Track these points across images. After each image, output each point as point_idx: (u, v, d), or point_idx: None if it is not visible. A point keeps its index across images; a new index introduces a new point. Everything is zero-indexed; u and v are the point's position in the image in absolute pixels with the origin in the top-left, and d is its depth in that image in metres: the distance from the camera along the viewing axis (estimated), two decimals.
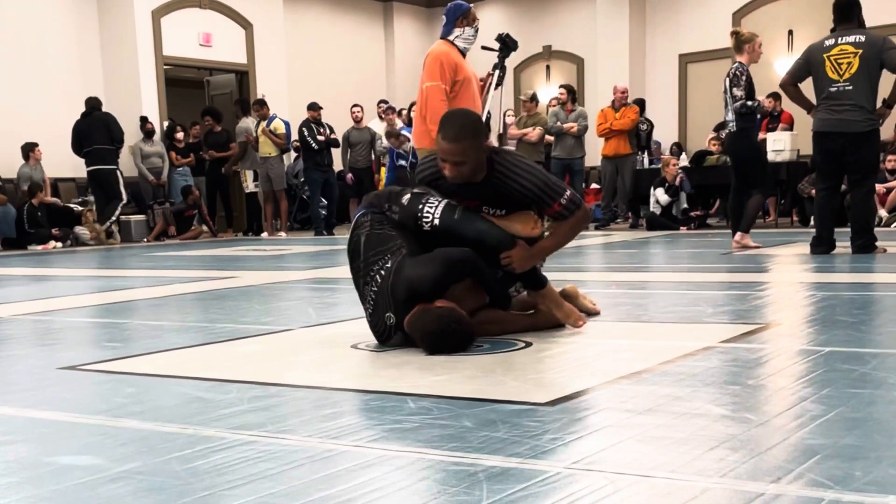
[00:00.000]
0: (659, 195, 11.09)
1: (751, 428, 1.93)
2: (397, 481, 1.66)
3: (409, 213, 3.18)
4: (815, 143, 6.43)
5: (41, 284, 6.90)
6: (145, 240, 12.43)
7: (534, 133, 11.81)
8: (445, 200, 3.18)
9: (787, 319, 3.62)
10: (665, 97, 15.28)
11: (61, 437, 2.11)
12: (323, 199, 13.15)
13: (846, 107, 6.15)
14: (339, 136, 12.89)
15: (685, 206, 11.37)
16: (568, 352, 3.01)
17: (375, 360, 2.99)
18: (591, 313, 3.68)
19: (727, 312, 3.82)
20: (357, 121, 12.82)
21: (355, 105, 12.87)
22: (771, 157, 10.82)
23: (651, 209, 11.31)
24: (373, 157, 13.35)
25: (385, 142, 12.66)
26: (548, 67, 16.49)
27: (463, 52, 4.78)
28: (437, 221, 3.14)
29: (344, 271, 6.83)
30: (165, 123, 13.36)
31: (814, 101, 6.43)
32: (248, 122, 13.05)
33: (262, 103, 12.88)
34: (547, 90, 15.42)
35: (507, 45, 5.00)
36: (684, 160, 12.19)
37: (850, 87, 6.13)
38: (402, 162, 11.67)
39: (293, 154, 14.29)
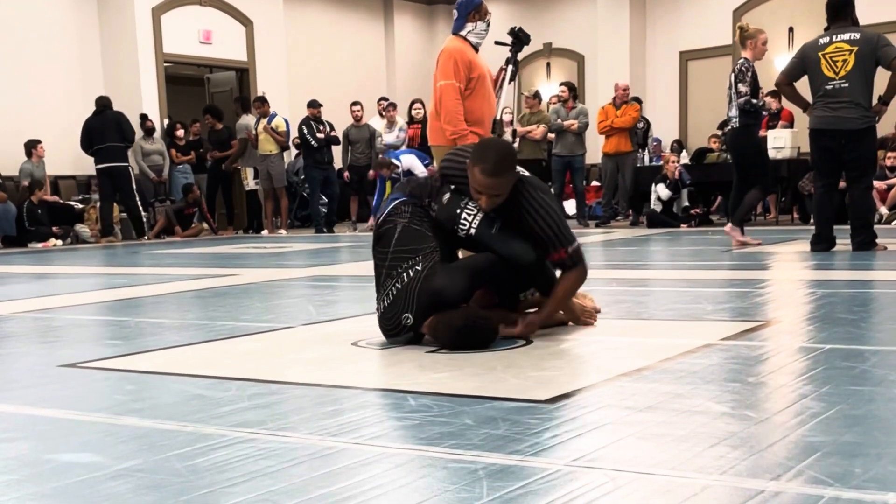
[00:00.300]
0: (660, 190, 11.09)
1: (751, 425, 1.93)
2: (397, 479, 1.67)
3: (447, 216, 3.15)
4: (811, 140, 6.44)
5: (42, 282, 6.90)
6: (146, 237, 12.42)
7: (538, 130, 11.81)
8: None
9: (788, 317, 3.62)
10: (665, 95, 15.27)
11: (62, 434, 2.11)
12: (323, 197, 13.15)
13: (843, 104, 6.15)
14: (339, 133, 12.89)
15: (686, 203, 11.37)
16: (568, 349, 3.01)
17: (376, 357, 2.99)
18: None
19: (727, 310, 3.82)
20: (357, 119, 12.81)
21: (355, 103, 12.86)
22: (772, 154, 10.80)
23: (652, 206, 11.30)
24: (372, 155, 13.35)
25: (385, 139, 12.66)
26: (548, 65, 16.48)
27: (476, 48, 4.71)
28: (472, 232, 3.12)
29: (344, 269, 6.86)
30: (165, 121, 13.35)
31: (809, 99, 6.44)
32: (248, 120, 13.04)
33: (262, 100, 12.87)
34: (547, 88, 15.41)
35: (519, 39, 4.95)
36: (685, 157, 12.19)
37: (846, 85, 6.13)
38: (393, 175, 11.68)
39: (293, 151, 14.29)
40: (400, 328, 3.09)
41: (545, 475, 1.64)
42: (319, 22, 16.24)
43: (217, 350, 3.22)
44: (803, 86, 6.47)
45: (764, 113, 7.57)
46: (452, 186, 3.20)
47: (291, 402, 2.38)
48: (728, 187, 11.93)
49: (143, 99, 12.95)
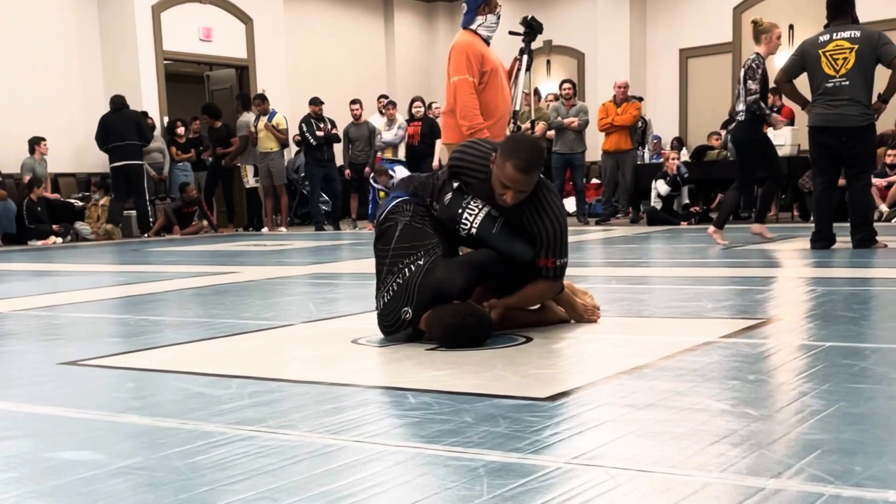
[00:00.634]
0: (659, 186, 11.09)
1: (751, 423, 1.93)
2: (398, 476, 1.66)
3: (449, 215, 3.15)
4: (811, 137, 6.44)
5: (41, 280, 6.90)
6: (146, 235, 12.43)
7: (539, 128, 11.81)
8: (486, 210, 3.13)
9: (788, 314, 3.62)
10: (665, 92, 15.26)
11: (61, 432, 2.11)
12: (324, 195, 13.15)
13: (843, 102, 6.15)
14: (340, 130, 12.89)
15: (686, 201, 11.37)
16: (568, 347, 3.01)
17: (376, 355, 2.99)
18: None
19: (727, 307, 3.82)
20: (356, 118, 12.81)
21: (354, 101, 12.86)
22: None
23: (652, 204, 11.30)
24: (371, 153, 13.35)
25: (384, 137, 12.65)
26: (548, 62, 16.46)
27: (486, 41, 4.68)
28: (474, 231, 3.13)
29: (344, 266, 6.86)
30: (166, 119, 13.35)
31: (808, 97, 6.43)
32: (248, 117, 13.04)
33: (262, 98, 12.87)
34: (547, 85, 15.40)
35: (532, 28, 4.91)
36: (685, 155, 12.19)
37: (847, 83, 6.13)
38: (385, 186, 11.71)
39: (294, 149, 14.29)
40: (399, 324, 3.09)
41: (545, 473, 1.64)
42: (319, 19, 16.22)
43: (217, 348, 3.22)
44: (801, 82, 6.46)
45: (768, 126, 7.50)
46: (455, 184, 3.19)
47: (292, 399, 2.38)
48: (728, 185, 12.00)
49: (143, 97, 12.94)
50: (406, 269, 3.07)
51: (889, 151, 10.69)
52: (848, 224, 6.51)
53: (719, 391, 2.25)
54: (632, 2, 15.11)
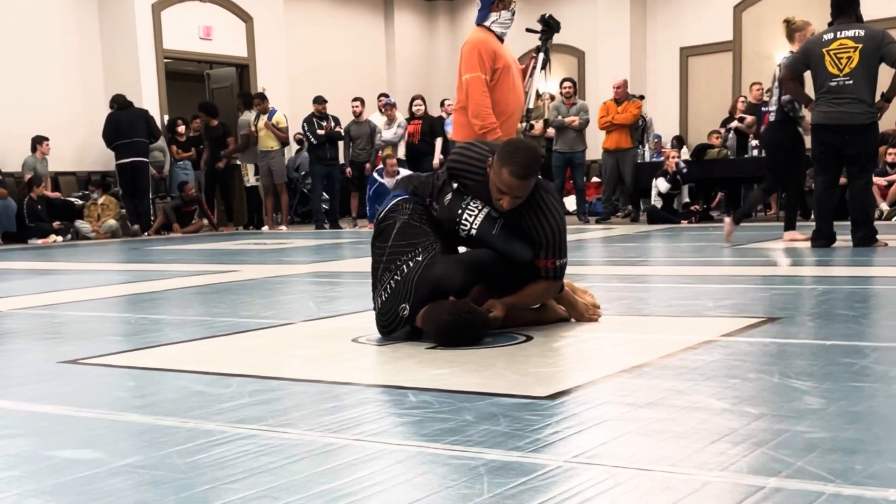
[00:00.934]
0: (659, 184, 11.09)
1: (751, 421, 1.93)
2: (398, 475, 1.66)
3: (448, 215, 3.15)
4: (814, 135, 6.43)
5: (42, 278, 6.90)
6: (146, 234, 12.43)
7: (538, 126, 11.81)
8: (485, 211, 3.13)
9: (788, 313, 3.61)
10: (666, 91, 15.25)
11: (62, 430, 2.11)
12: (325, 194, 13.16)
13: (847, 100, 6.15)
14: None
15: (686, 199, 11.37)
16: (569, 345, 3.01)
17: (376, 354, 2.99)
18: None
19: (728, 306, 3.81)
20: (356, 115, 12.81)
21: (355, 99, 12.86)
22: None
23: (652, 202, 11.30)
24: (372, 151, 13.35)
25: (383, 135, 12.65)
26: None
27: (500, 38, 4.64)
28: (473, 232, 3.12)
29: (345, 265, 6.85)
30: (166, 117, 13.35)
31: (811, 95, 6.42)
32: (249, 116, 13.05)
33: (262, 97, 12.89)
34: (547, 84, 15.37)
35: (550, 26, 4.87)
36: (685, 154, 12.19)
37: (851, 82, 6.13)
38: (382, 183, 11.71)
39: (294, 147, 14.29)
40: (396, 322, 3.08)
41: (545, 471, 1.64)
42: (319, 17, 16.22)
43: (218, 346, 3.22)
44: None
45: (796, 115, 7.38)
46: (455, 185, 3.19)
47: (292, 398, 2.38)
48: (728, 183, 12.03)
49: (143, 95, 12.93)
50: (404, 266, 3.07)
51: (889, 150, 10.69)
52: (848, 222, 6.51)
53: (719, 390, 2.25)
54: (632, 0, 15.10)
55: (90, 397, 2.49)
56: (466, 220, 3.12)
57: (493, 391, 2.29)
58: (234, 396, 2.36)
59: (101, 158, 12.55)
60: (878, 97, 6.24)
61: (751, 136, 11.63)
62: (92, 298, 5.07)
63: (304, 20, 15.83)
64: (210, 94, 14.67)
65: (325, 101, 12.63)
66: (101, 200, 12.25)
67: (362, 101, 12.89)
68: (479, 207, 3.14)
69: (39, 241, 11.40)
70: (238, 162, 13.58)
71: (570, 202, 12.50)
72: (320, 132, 12.48)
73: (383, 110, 12.91)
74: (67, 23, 12.80)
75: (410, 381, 2.48)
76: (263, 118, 12.69)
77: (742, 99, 12.44)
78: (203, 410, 2.21)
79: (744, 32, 14.61)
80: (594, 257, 6.97)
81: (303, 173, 14.21)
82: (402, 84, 16.62)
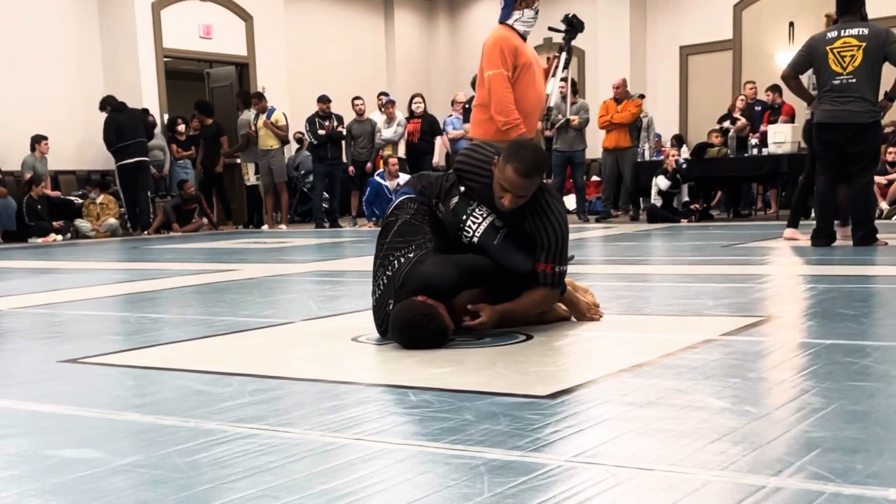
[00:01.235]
0: (660, 182, 11.09)
1: (751, 421, 1.93)
2: (398, 474, 1.66)
3: (453, 220, 3.14)
4: (816, 134, 6.42)
5: (42, 277, 6.90)
6: (146, 232, 12.43)
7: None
8: (489, 219, 3.12)
9: (788, 312, 3.62)
10: (666, 89, 15.25)
11: (62, 430, 2.11)
12: (325, 193, 13.16)
13: (850, 98, 6.14)
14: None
15: (686, 198, 11.36)
16: (569, 345, 3.01)
17: (376, 353, 2.99)
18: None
19: (728, 305, 3.81)
20: (359, 113, 12.81)
21: (357, 97, 12.86)
22: (772, 149, 10.81)
23: (652, 200, 11.30)
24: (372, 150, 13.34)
25: (383, 134, 12.65)
26: (548, 60, 16.45)
27: (523, 36, 4.61)
28: (476, 239, 3.11)
29: (344, 264, 6.85)
30: (166, 116, 13.35)
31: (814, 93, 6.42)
32: (249, 115, 13.04)
33: (260, 96, 12.90)
34: (547, 83, 15.37)
35: (573, 25, 4.84)
36: (685, 152, 12.18)
37: (854, 80, 6.12)
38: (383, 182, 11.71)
39: (294, 146, 14.29)
40: (386, 318, 3.05)
41: (546, 471, 1.64)
42: (319, 16, 16.22)
43: (218, 345, 3.22)
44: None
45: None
46: (462, 189, 3.18)
47: (292, 397, 2.38)
48: (728, 182, 12.02)
49: (143, 94, 12.93)
50: (395, 262, 3.06)
51: (890, 149, 10.69)
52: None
53: (720, 389, 2.25)
54: None
55: (90, 396, 2.49)
56: (470, 226, 3.12)
57: (493, 390, 2.29)
58: (235, 396, 2.36)
59: (100, 157, 12.54)
60: (881, 96, 6.24)
61: (750, 136, 11.64)
62: (92, 297, 5.07)
63: (304, 19, 15.82)
64: (210, 93, 14.67)
65: (329, 101, 12.64)
66: (99, 200, 12.24)
67: (364, 100, 12.89)
68: (484, 215, 3.12)
69: (39, 240, 11.40)
70: (238, 161, 13.58)
71: (570, 201, 12.50)
72: (321, 132, 12.48)
73: (383, 109, 12.91)
74: (67, 22, 12.79)
75: (411, 380, 2.48)
76: (263, 117, 12.69)
77: (742, 98, 12.44)
78: (203, 410, 2.21)
79: (744, 31, 14.61)
80: (594, 256, 6.97)
81: (303, 172, 14.21)
82: (402, 83, 16.61)
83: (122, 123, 11.91)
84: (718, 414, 2.00)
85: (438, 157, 12.99)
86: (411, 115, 12.91)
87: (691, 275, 5.23)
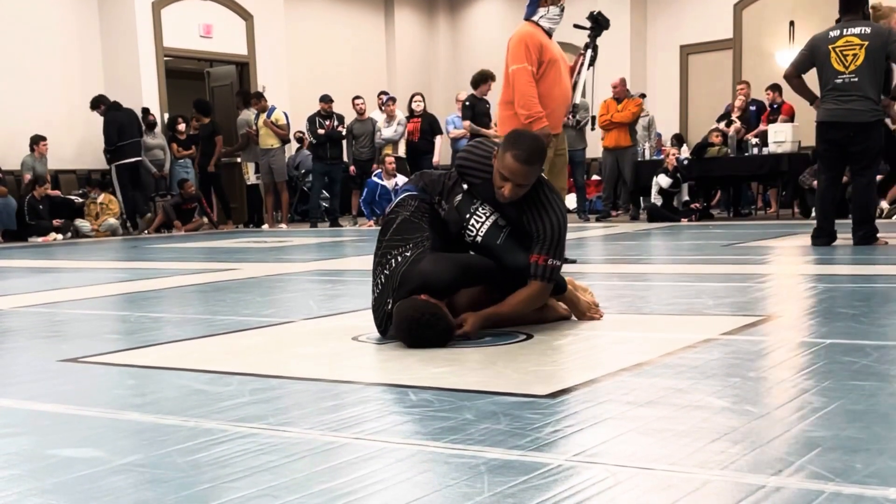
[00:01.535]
0: (661, 180, 11.08)
1: (752, 420, 1.93)
2: (398, 473, 1.66)
3: (456, 218, 3.13)
4: (818, 133, 6.41)
5: (42, 276, 6.90)
6: (146, 232, 12.44)
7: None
8: (493, 218, 3.11)
9: (788, 311, 3.61)
10: (666, 89, 15.25)
11: (62, 429, 2.11)
12: (325, 192, 13.16)
13: (853, 97, 6.14)
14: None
15: (686, 197, 11.36)
16: (569, 344, 3.01)
17: (376, 352, 2.99)
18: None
19: (728, 304, 3.81)
20: (360, 113, 12.81)
21: (357, 97, 12.85)
22: (772, 148, 10.81)
23: (652, 200, 11.29)
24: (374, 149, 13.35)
25: (383, 133, 12.64)
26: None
27: (549, 33, 4.57)
28: (479, 239, 3.10)
29: (345, 263, 6.85)
30: (166, 115, 13.35)
31: (817, 92, 6.41)
32: (248, 115, 13.04)
33: (259, 96, 12.90)
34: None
35: (599, 23, 4.82)
36: (685, 151, 12.19)
37: (856, 79, 6.12)
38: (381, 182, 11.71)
39: (294, 145, 14.28)
40: (385, 317, 3.05)
41: (546, 470, 1.64)
42: (320, 15, 16.22)
43: (218, 345, 3.22)
44: (809, 79, 6.43)
45: None
46: (465, 186, 3.18)
47: (292, 396, 2.38)
48: (728, 181, 12.02)
49: (143, 93, 12.94)
50: (392, 261, 3.06)
51: None
52: (848, 221, 6.49)
53: (720, 388, 2.25)
54: None
55: (90, 396, 2.49)
56: (473, 226, 3.11)
57: (493, 390, 2.29)
58: (235, 395, 2.36)
59: (100, 157, 12.54)
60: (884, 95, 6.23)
61: (749, 136, 11.63)
62: (92, 297, 5.07)
63: (305, 18, 15.82)
64: (210, 93, 14.67)
65: (331, 101, 12.64)
66: (100, 199, 12.25)
67: (365, 100, 12.89)
68: (487, 214, 3.12)
69: (39, 239, 11.40)
70: (238, 160, 13.57)
71: (571, 200, 12.49)
72: (321, 131, 12.48)
73: (383, 107, 12.90)
74: (67, 21, 12.79)
75: (411, 379, 2.48)
76: (263, 116, 12.69)
77: (741, 98, 12.42)
78: (203, 409, 2.21)
79: (744, 30, 14.61)
80: (594, 255, 6.97)
81: (303, 171, 14.21)
82: (402, 82, 16.61)
83: (122, 123, 11.93)
84: (718, 413, 2.00)
85: (439, 157, 12.97)
86: (411, 113, 12.90)
87: (691, 274, 5.23)
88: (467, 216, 3.12)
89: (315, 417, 2.10)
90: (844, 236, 6.52)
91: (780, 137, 10.74)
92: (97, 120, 12.11)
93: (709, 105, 14.29)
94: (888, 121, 6.97)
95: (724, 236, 7.86)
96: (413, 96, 13.04)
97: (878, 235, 6.37)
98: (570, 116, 4.78)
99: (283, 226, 13.02)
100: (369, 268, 3.27)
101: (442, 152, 12.99)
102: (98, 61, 13.12)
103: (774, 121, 11.64)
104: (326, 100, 12.60)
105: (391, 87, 15.58)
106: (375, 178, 11.85)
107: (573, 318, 3.39)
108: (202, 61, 14.59)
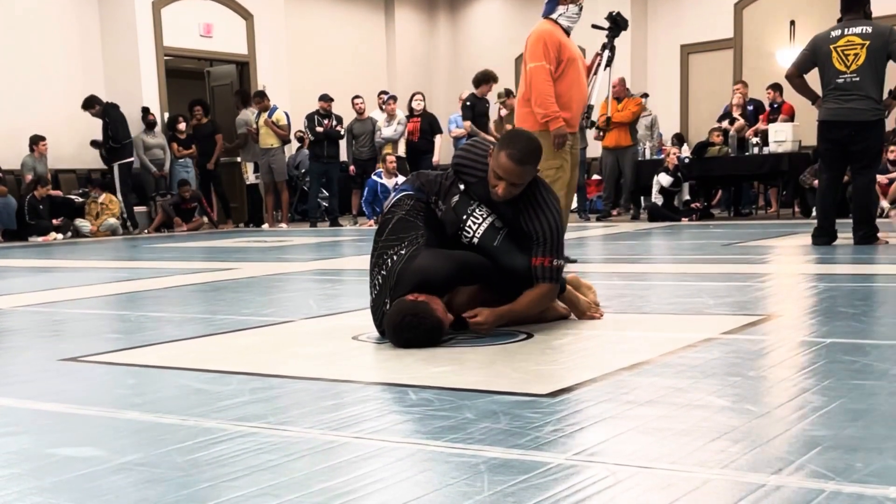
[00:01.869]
0: (661, 179, 11.08)
1: (752, 419, 1.93)
2: (398, 473, 1.66)
3: (453, 218, 3.13)
4: (820, 132, 6.41)
5: (42, 276, 6.90)
6: (146, 231, 12.43)
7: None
8: (490, 220, 3.10)
9: (789, 310, 3.61)
10: (666, 88, 15.24)
11: (62, 428, 2.11)
12: (324, 191, 13.16)
13: (854, 97, 6.14)
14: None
15: (687, 197, 11.36)
16: (569, 343, 3.01)
17: (376, 351, 2.99)
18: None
19: (728, 304, 3.81)
20: (360, 112, 12.80)
21: (357, 96, 12.85)
22: (773, 147, 10.81)
23: (653, 199, 11.29)
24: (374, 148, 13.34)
25: (383, 133, 12.64)
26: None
27: (567, 32, 4.55)
28: (476, 240, 3.10)
29: (345, 262, 6.85)
30: (166, 115, 13.35)
31: (818, 91, 6.41)
32: (248, 114, 13.03)
33: (261, 95, 12.89)
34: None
35: (617, 23, 4.81)
36: (685, 151, 12.18)
37: (858, 79, 6.12)
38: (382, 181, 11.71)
39: (295, 145, 14.28)
40: (382, 318, 3.05)
41: (546, 469, 1.64)
42: (320, 15, 16.21)
43: (218, 344, 3.22)
44: (811, 79, 6.43)
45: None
46: (462, 186, 3.18)
47: (292, 396, 2.38)
48: (729, 181, 12.01)
49: (143, 93, 12.94)
50: (388, 261, 3.06)
51: (891, 148, 10.68)
52: (849, 220, 6.49)
53: (720, 387, 2.25)
54: None
55: (90, 395, 2.49)
56: (470, 227, 3.11)
57: (493, 389, 2.29)
58: (235, 394, 2.36)
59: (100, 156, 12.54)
60: (886, 94, 6.22)
61: (749, 135, 11.62)
62: (92, 296, 5.07)
63: (305, 17, 15.82)
64: (210, 92, 14.66)
65: (331, 100, 12.64)
66: (100, 199, 12.24)
67: (364, 99, 12.88)
68: (484, 216, 3.12)
69: (40, 239, 11.40)
70: (238, 160, 13.57)
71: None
72: (319, 130, 12.48)
73: (384, 106, 12.90)
74: (68, 20, 12.79)
75: (411, 378, 2.48)
76: (264, 116, 12.69)
77: (740, 96, 12.42)
78: (203, 408, 2.21)
79: (745, 29, 14.61)
80: (595, 255, 6.97)
81: (303, 171, 14.20)
82: (403, 82, 16.60)
83: (123, 122, 11.94)
84: (719, 412, 2.00)
85: (439, 157, 12.97)
86: (411, 113, 12.90)
87: (692, 273, 5.23)
88: (464, 217, 3.12)
89: (315, 416, 2.10)
90: (845, 236, 6.52)
91: (781, 137, 10.74)
92: (97, 119, 12.10)
93: (709, 104, 14.29)
94: None
95: (724, 236, 7.86)
96: (413, 95, 13.03)
97: (879, 235, 6.37)
98: (586, 119, 4.75)
99: (284, 225, 13.02)
100: (369, 267, 3.27)
101: (442, 152, 12.97)
102: (98, 61, 13.12)
103: (775, 120, 11.64)
104: (326, 99, 12.60)
105: (391, 87, 15.57)
106: (376, 177, 11.86)
107: (573, 317, 3.39)
108: (202, 61, 14.58)
